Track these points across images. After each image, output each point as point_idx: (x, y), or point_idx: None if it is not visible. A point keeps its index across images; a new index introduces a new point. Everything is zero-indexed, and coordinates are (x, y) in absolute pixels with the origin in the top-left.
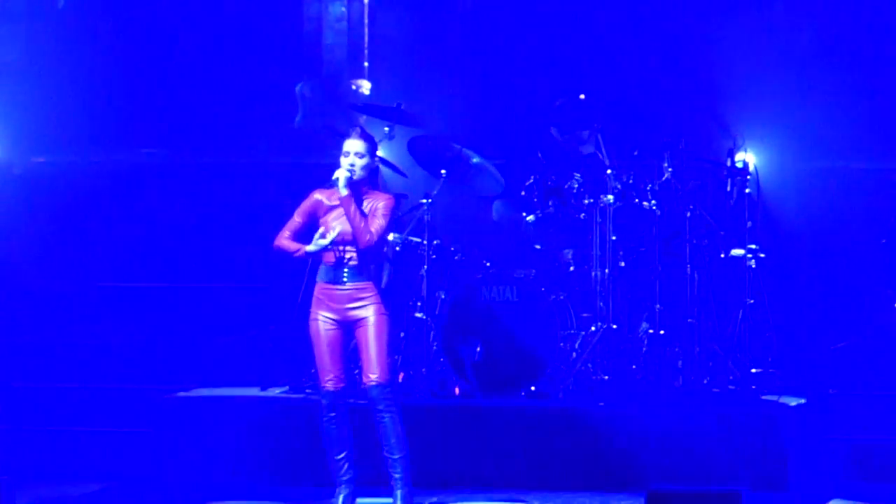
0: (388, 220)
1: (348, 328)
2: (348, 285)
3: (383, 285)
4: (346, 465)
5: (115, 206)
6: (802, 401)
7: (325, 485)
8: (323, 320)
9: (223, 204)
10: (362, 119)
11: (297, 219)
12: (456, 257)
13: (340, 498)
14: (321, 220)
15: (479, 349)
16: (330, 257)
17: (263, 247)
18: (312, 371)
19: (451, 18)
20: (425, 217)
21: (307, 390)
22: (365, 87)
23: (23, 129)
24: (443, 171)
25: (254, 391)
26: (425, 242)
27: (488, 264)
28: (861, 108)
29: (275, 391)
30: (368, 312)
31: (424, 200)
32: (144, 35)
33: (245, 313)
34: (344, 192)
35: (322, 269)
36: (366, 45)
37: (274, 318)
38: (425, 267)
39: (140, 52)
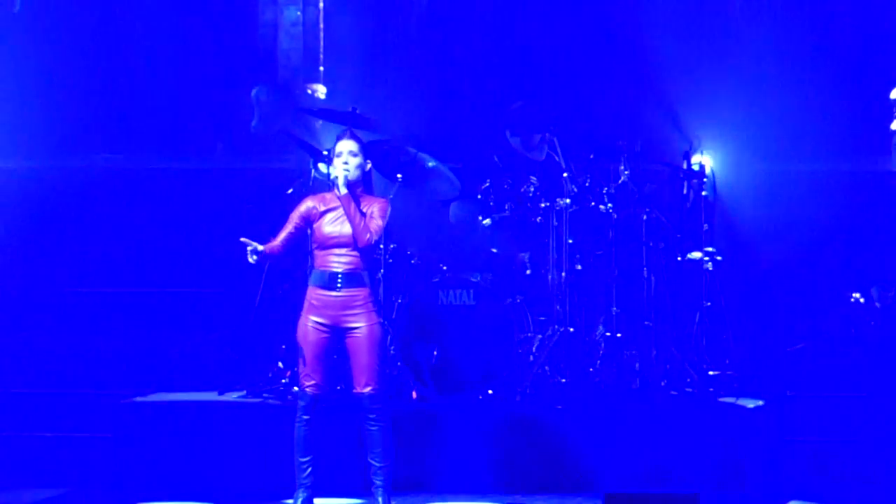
0: (384, 222)
1: (339, 335)
2: (343, 291)
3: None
4: (308, 469)
5: (70, 212)
6: (760, 403)
7: (283, 487)
8: (314, 325)
9: (179, 208)
10: (318, 124)
11: (288, 225)
12: (412, 261)
13: (299, 501)
14: (315, 226)
15: (436, 353)
16: (324, 262)
17: (220, 251)
18: (270, 375)
19: (406, 23)
20: None
21: (265, 394)
22: (320, 91)
23: None
24: (398, 175)
25: (211, 395)
26: (381, 246)
27: (445, 268)
28: (816, 110)
29: (232, 395)
30: (362, 321)
31: None
32: (100, 40)
33: (202, 318)
34: (343, 190)
35: (315, 275)
36: (321, 50)
37: (231, 323)
38: (382, 271)
39: (96, 57)
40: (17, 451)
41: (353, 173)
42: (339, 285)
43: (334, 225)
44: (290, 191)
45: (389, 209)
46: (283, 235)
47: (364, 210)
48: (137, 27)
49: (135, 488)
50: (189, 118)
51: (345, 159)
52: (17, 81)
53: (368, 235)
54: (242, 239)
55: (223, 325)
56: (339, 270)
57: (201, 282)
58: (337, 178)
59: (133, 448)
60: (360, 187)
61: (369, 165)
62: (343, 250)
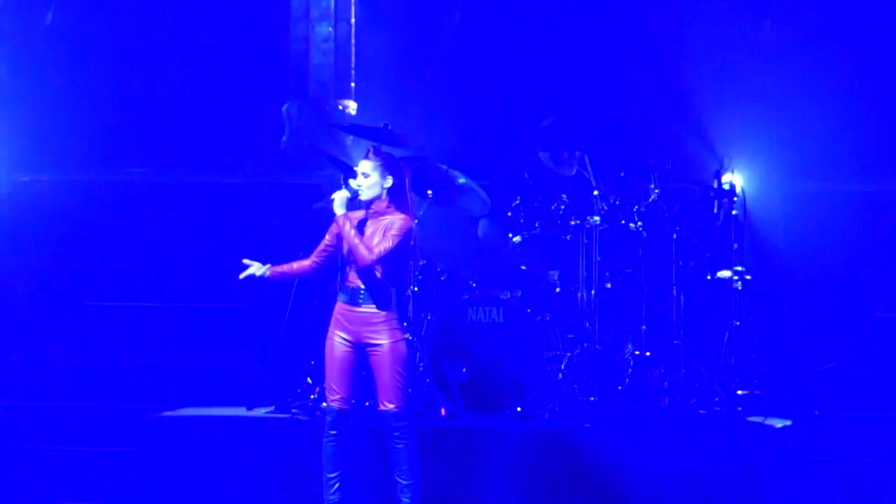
0: (396, 242)
1: (362, 351)
2: (363, 308)
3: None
4: (336, 485)
5: (100, 226)
6: (788, 422)
7: (312, 503)
8: (338, 340)
9: (209, 223)
10: (349, 139)
11: (321, 242)
12: (442, 278)
13: None
14: (343, 242)
15: (465, 370)
16: (349, 278)
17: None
18: (299, 390)
19: (438, 39)
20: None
21: (293, 410)
22: (352, 107)
23: (8, 149)
24: (429, 192)
25: (240, 411)
26: (411, 263)
27: (474, 285)
28: (847, 130)
29: (261, 411)
30: (383, 339)
31: None
32: (132, 54)
33: (232, 333)
34: (338, 210)
35: (342, 290)
36: (353, 66)
37: (261, 338)
38: (412, 287)
39: (127, 71)
40: (46, 465)
41: (365, 193)
42: (360, 301)
43: None
44: (319, 204)
45: (411, 227)
46: (315, 251)
47: (383, 226)
48: (169, 42)
49: (163, 502)
50: (220, 133)
51: (358, 180)
52: (48, 94)
53: (367, 255)
54: (245, 261)
55: (252, 340)
56: (362, 286)
57: (231, 297)
58: (334, 197)
59: (161, 463)
60: (381, 204)
61: (390, 182)
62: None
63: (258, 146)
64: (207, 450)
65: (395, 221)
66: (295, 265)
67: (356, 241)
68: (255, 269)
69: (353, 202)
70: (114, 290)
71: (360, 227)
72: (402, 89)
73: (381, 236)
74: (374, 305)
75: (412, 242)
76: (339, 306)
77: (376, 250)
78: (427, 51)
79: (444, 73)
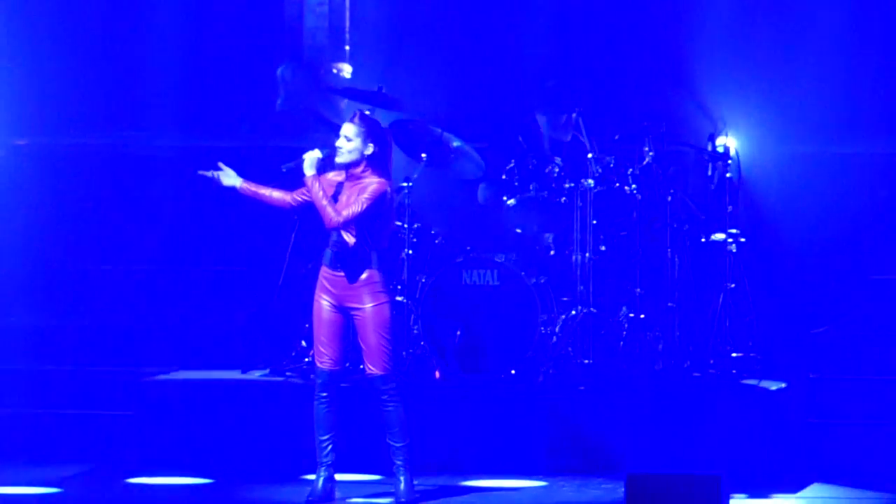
0: (366, 206)
1: (346, 313)
2: (342, 271)
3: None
4: (329, 447)
5: (95, 189)
6: (783, 385)
7: (306, 465)
8: (324, 303)
9: (203, 187)
10: (343, 103)
11: (304, 188)
12: (437, 241)
13: (321, 480)
14: None
15: (459, 333)
16: (329, 241)
17: (244, 229)
18: (293, 354)
19: (432, 2)
20: (406, 201)
21: (287, 373)
22: (346, 70)
23: (4, 112)
24: (423, 155)
25: (234, 374)
26: (406, 226)
27: (469, 248)
28: (842, 92)
29: (255, 374)
30: (364, 302)
31: (405, 184)
32: (126, 18)
33: (226, 296)
34: (308, 171)
35: (326, 253)
36: (347, 29)
37: (255, 301)
38: (406, 250)
39: (121, 35)
40: (41, 427)
41: (343, 157)
42: (339, 264)
43: (340, 198)
44: (288, 165)
45: (385, 192)
46: (298, 190)
47: (356, 189)
48: (164, 6)
49: (157, 465)
50: (213, 96)
51: (340, 142)
52: (43, 58)
53: (334, 217)
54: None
55: (247, 303)
56: (340, 250)
57: (225, 260)
58: (305, 157)
59: (156, 426)
60: (360, 168)
61: (370, 150)
62: (345, 230)
63: (252, 110)
64: (202, 413)
65: (369, 185)
66: (272, 192)
67: (324, 202)
68: (221, 175)
69: (331, 163)
70: (108, 253)
71: (339, 189)
72: (397, 52)
73: (353, 199)
74: (353, 268)
75: (388, 205)
76: (323, 269)
77: (344, 213)
78: (422, 14)
79: (438, 37)
